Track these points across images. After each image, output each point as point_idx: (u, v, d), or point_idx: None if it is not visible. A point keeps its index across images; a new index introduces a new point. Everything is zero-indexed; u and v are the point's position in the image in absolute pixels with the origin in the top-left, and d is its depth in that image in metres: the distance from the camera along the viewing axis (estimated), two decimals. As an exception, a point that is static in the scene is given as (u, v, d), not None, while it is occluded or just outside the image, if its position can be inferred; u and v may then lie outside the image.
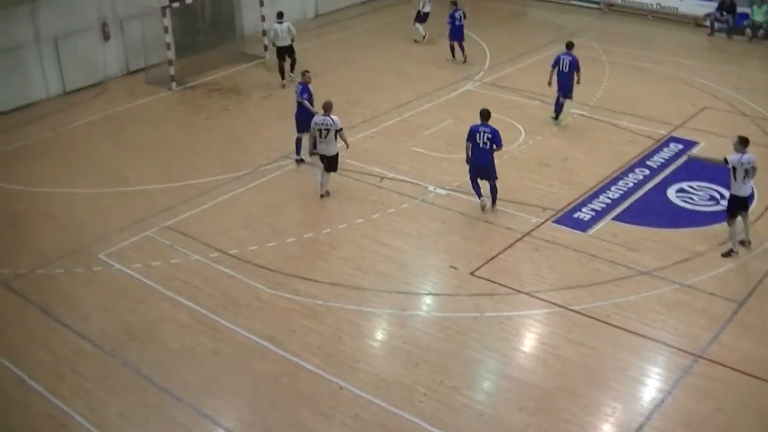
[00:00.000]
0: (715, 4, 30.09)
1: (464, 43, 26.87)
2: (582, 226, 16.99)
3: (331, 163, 18.12)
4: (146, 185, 19.18)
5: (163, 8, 24.79)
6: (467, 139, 17.22)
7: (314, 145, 18.06)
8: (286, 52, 25.38)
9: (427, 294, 15.20)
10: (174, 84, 25.40)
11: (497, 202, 17.53)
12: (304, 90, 19.39)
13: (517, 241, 16.52)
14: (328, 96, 18.93)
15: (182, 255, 16.33)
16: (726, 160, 15.37)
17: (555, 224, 17.07)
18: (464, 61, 26.74)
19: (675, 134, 21.03)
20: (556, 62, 21.39)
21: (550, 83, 21.64)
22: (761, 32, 29.04)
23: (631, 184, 18.57)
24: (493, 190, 17.46)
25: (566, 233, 16.75)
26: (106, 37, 25.98)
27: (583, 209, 17.61)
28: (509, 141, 20.33)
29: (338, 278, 15.45)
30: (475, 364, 13.30)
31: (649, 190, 18.40)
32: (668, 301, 14.56)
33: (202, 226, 17.34)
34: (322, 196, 18.29)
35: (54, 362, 13.44)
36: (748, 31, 29.27)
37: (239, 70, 27.01)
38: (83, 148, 21.45)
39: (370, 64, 27.09)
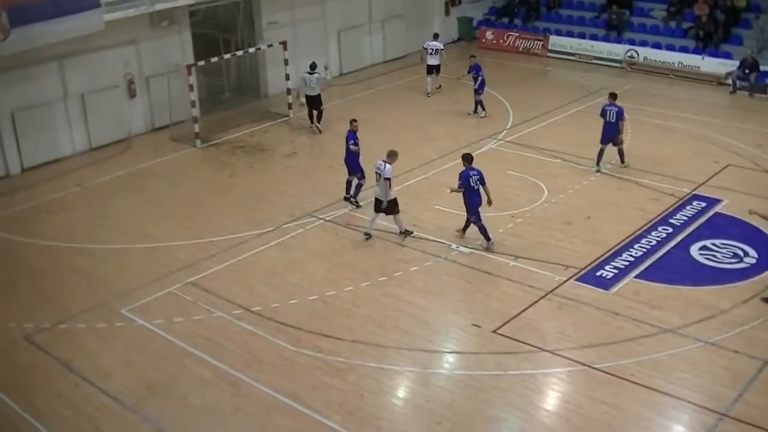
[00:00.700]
0: (737, 63, 30.23)
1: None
2: (605, 284, 16.91)
3: (378, 205, 18.85)
4: (169, 241, 19.31)
5: (188, 66, 25.18)
6: (460, 185, 18.22)
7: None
8: (313, 102, 26.09)
9: (449, 352, 15.13)
10: (198, 141, 25.65)
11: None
12: (350, 137, 20.58)
13: (540, 299, 16.46)
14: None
15: (205, 311, 16.37)
16: None
17: (578, 282, 17.01)
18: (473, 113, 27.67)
19: (698, 192, 20.99)
20: (603, 113, 22.21)
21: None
22: (783, 90, 29.09)
23: (654, 242, 18.50)
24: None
25: (589, 291, 16.68)
26: (132, 94, 26.39)
27: (606, 267, 17.54)
28: (532, 200, 20.52)
29: (360, 336, 15.42)
30: (498, 423, 13.18)
31: (672, 247, 18.32)
32: (692, 359, 14.42)
33: (224, 283, 17.40)
34: (366, 234, 19.08)
35: (76, 418, 13.43)
36: (770, 89, 29.33)
37: (263, 128, 27.26)
38: (108, 204, 21.65)
39: (392, 123, 27.19)
